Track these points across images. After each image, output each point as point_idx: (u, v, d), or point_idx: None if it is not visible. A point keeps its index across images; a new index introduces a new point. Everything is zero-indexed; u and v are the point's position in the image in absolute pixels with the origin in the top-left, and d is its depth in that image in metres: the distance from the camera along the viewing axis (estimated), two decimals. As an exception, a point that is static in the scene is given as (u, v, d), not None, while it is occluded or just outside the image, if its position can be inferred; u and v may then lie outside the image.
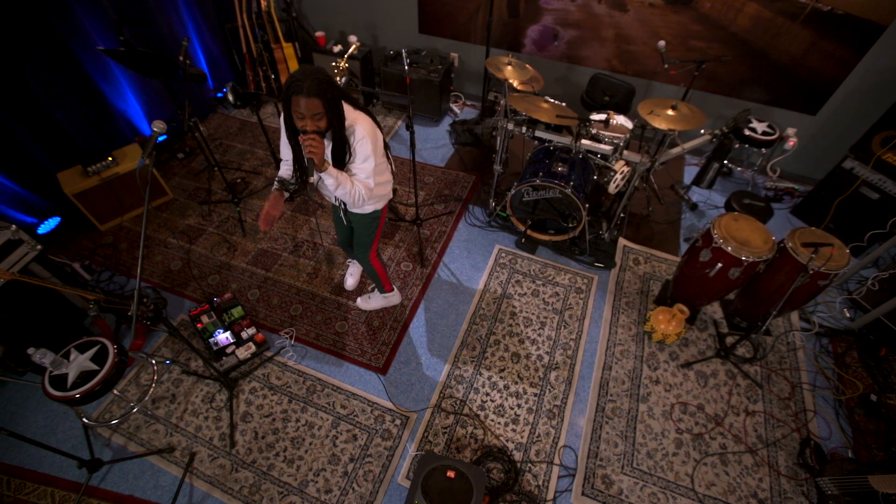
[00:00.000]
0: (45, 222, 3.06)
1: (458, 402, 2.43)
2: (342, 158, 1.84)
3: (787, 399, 2.49)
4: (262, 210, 1.88)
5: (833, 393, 2.52)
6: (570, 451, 2.28)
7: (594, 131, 2.88)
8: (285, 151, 1.97)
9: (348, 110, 1.77)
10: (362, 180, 1.89)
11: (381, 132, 1.91)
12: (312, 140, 1.63)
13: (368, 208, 2.16)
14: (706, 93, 3.55)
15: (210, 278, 2.99)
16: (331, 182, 1.82)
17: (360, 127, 1.78)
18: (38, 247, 2.39)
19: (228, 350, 2.55)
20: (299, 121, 1.64)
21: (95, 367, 1.79)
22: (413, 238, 3.22)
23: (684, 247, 3.24)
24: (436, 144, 4.03)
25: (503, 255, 3.14)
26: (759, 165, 3.74)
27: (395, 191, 3.55)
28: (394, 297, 2.79)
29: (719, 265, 2.35)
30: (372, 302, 2.79)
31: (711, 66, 3.33)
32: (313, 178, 1.81)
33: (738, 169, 3.82)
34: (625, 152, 2.87)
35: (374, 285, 2.88)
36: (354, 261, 2.93)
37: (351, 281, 2.91)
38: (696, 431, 2.35)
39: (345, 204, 2.12)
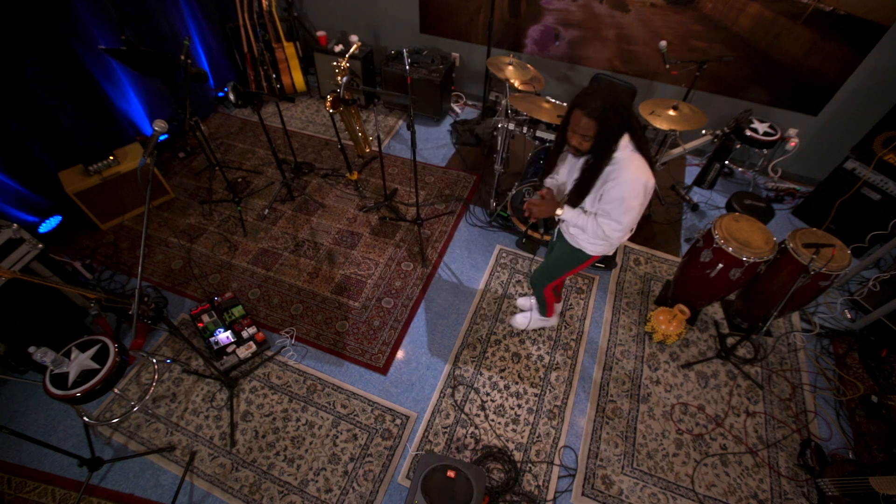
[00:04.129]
0: (47, 221, 3.06)
1: (458, 402, 2.43)
2: (584, 189, 1.68)
3: (788, 400, 2.48)
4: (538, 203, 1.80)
5: (834, 394, 2.52)
6: (570, 452, 2.28)
7: (595, 131, 2.88)
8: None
9: (625, 147, 1.57)
10: (606, 222, 1.70)
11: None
12: (532, 211, 1.78)
13: (587, 246, 1.96)
14: (707, 93, 3.54)
15: (211, 277, 2.99)
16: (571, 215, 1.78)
17: (625, 172, 1.57)
18: (40, 246, 2.39)
19: (229, 349, 2.55)
20: (570, 131, 1.58)
21: (96, 366, 1.79)
22: (414, 238, 3.22)
23: (685, 247, 3.24)
24: (437, 144, 4.03)
25: (504, 255, 3.14)
26: (760, 166, 3.73)
27: (395, 191, 3.56)
28: (553, 320, 2.67)
29: (720, 266, 2.35)
30: (532, 322, 2.67)
31: (713, 66, 3.32)
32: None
33: (740, 169, 3.81)
34: (626, 152, 2.87)
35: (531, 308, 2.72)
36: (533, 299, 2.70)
37: (521, 320, 2.70)
38: (696, 432, 2.35)
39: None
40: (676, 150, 2.89)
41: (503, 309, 2.83)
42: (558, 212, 1.80)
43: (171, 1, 3.54)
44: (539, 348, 2.65)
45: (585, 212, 1.79)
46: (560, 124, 1.67)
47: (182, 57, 2.77)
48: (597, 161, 1.59)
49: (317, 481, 2.17)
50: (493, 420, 2.37)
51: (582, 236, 1.92)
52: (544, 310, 2.52)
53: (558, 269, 2.20)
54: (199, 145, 3.78)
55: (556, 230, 2.18)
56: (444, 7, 3.87)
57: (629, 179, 1.57)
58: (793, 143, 3.50)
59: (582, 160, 1.69)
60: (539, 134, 2.95)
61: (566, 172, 1.89)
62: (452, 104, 4.38)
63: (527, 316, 2.67)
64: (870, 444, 2.29)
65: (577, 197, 1.74)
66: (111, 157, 3.00)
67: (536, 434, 2.33)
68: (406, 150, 3.90)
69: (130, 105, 3.49)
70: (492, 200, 3.33)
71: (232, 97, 2.70)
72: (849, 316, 2.87)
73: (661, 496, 2.15)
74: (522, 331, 2.69)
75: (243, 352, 2.55)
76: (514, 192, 2.92)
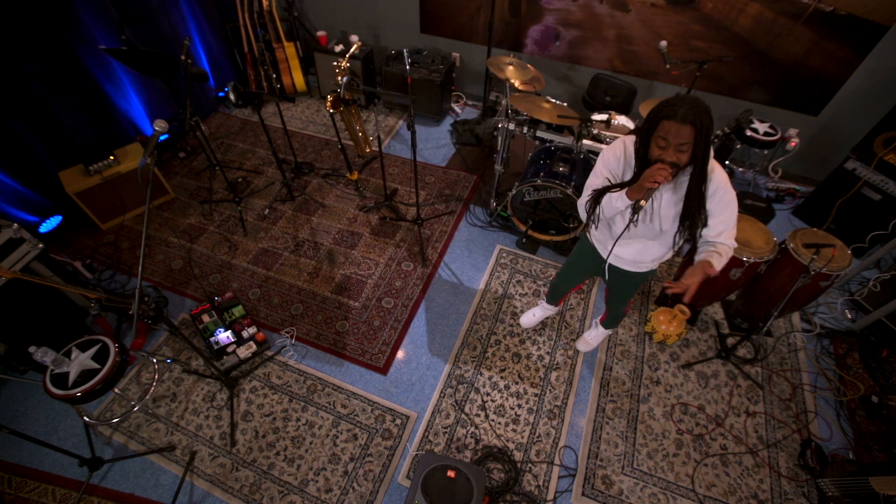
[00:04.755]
0: (47, 221, 3.06)
1: (458, 402, 2.43)
2: (697, 212, 1.52)
3: (788, 400, 2.48)
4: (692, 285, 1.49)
5: (834, 394, 2.51)
6: (570, 452, 2.28)
7: (595, 131, 2.88)
8: (597, 182, 1.67)
9: (711, 156, 1.49)
10: (728, 238, 1.56)
11: None
12: (663, 170, 1.38)
13: (656, 266, 1.88)
14: (708, 93, 3.54)
15: (211, 277, 2.99)
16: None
17: (718, 175, 1.50)
18: (40, 245, 2.39)
19: (229, 349, 2.55)
20: (658, 149, 1.41)
21: (96, 366, 1.79)
22: (414, 238, 3.22)
23: (685, 247, 3.23)
24: (437, 144, 4.03)
25: (504, 255, 3.14)
26: (760, 166, 3.73)
27: (395, 191, 3.56)
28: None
29: (720, 266, 2.34)
30: (594, 340, 2.59)
31: (713, 66, 3.32)
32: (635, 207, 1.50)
33: (740, 169, 3.81)
34: (626, 152, 2.87)
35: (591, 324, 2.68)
36: (543, 304, 2.67)
37: (530, 319, 2.68)
38: (696, 432, 2.35)
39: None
40: (677, 150, 2.89)
41: (503, 309, 2.83)
42: (712, 267, 1.51)
43: (172, 1, 3.54)
44: (539, 348, 2.65)
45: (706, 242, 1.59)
46: (640, 147, 1.48)
47: (182, 57, 2.77)
48: (700, 172, 1.44)
49: (317, 481, 2.17)
50: (493, 420, 2.37)
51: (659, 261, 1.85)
52: (617, 323, 2.46)
53: (631, 293, 2.19)
54: (199, 145, 3.78)
55: (604, 267, 1.92)
56: (444, 7, 3.87)
57: (727, 182, 1.51)
58: (793, 143, 3.49)
59: (674, 192, 1.54)
60: (539, 134, 2.95)
61: (623, 207, 1.62)
62: (453, 104, 4.38)
63: (591, 335, 2.59)
64: (870, 444, 2.29)
65: (693, 225, 1.55)
66: (111, 157, 3.00)
67: (536, 434, 2.33)
68: (406, 150, 3.90)
69: (131, 105, 3.49)
70: (492, 200, 3.33)
71: (232, 97, 2.70)
72: (849, 316, 2.87)
73: (661, 496, 2.15)
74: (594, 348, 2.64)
75: (243, 352, 2.55)
76: (514, 192, 2.92)
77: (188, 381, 2.50)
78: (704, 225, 1.57)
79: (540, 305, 2.70)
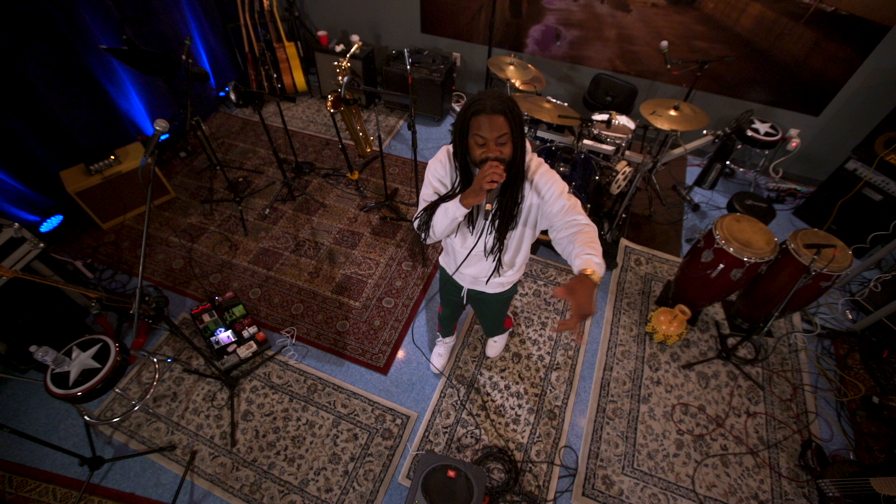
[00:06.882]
0: (48, 220, 3.07)
1: (458, 402, 2.43)
2: (514, 201, 1.43)
3: (789, 401, 2.48)
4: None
5: (835, 395, 2.51)
6: (570, 452, 2.27)
7: (596, 131, 2.88)
8: (429, 193, 1.56)
9: (529, 151, 1.45)
10: (583, 221, 1.36)
11: None
12: (496, 168, 1.27)
13: (514, 279, 1.80)
14: (709, 93, 3.54)
15: (212, 277, 2.99)
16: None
17: (536, 160, 1.45)
18: (41, 245, 2.39)
19: (230, 349, 2.55)
20: (479, 148, 1.32)
21: (97, 365, 1.79)
22: (415, 237, 3.22)
23: (686, 248, 3.23)
24: (438, 144, 4.03)
25: (504, 255, 3.13)
26: (761, 166, 3.73)
27: (396, 191, 3.56)
28: (510, 328, 2.65)
29: (721, 266, 2.34)
30: (499, 344, 2.59)
31: (714, 66, 3.32)
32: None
33: (741, 170, 3.81)
34: (627, 153, 2.87)
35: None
36: (446, 341, 2.55)
37: (439, 360, 2.55)
38: (697, 433, 2.35)
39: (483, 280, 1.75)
40: (677, 151, 2.89)
41: (504, 309, 2.83)
42: (593, 273, 1.23)
43: (173, 0, 3.54)
44: (539, 348, 2.65)
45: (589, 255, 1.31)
46: (457, 150, 1.41)
47: (183, 56, 2.77)
48: (519, 164, 1.38)
49: (317, 481, 2.17)
50: (493, 420, 2.37)
51: (516, 275, 1.78)
52: (502, 331, 2.51)
53: (504, 310, 2.19)
54: (200, 145, 3.79)
55: (462, 293, 1.93)
56: (445, 7, 3.87)
57: (547, 169, 1.45)
58: (794, 144, 3.49)
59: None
60: (540, 134, 2.95)
61: (460, 240, 1.63)
62: (453, 104, 4.38)
63: (496, 341, 2.56)
64: (871, 445, 2.29)
65: (507, 222, 1.46)
66: (112, 157, 3.00)
67: (537, 434, 2.33)
68: (407, 150, 3.90)
69: (132, 104, 3.49)
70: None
71: (233, 97, 2.70)
72: (850, 317, 2.87)
73: (661, 496, 2.15)
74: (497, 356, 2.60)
75: (244, 351, 2.55)
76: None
77: (189, 380, 2.50)
78: (514, 227, 1.48)
79: (438, 343, 2.58)
